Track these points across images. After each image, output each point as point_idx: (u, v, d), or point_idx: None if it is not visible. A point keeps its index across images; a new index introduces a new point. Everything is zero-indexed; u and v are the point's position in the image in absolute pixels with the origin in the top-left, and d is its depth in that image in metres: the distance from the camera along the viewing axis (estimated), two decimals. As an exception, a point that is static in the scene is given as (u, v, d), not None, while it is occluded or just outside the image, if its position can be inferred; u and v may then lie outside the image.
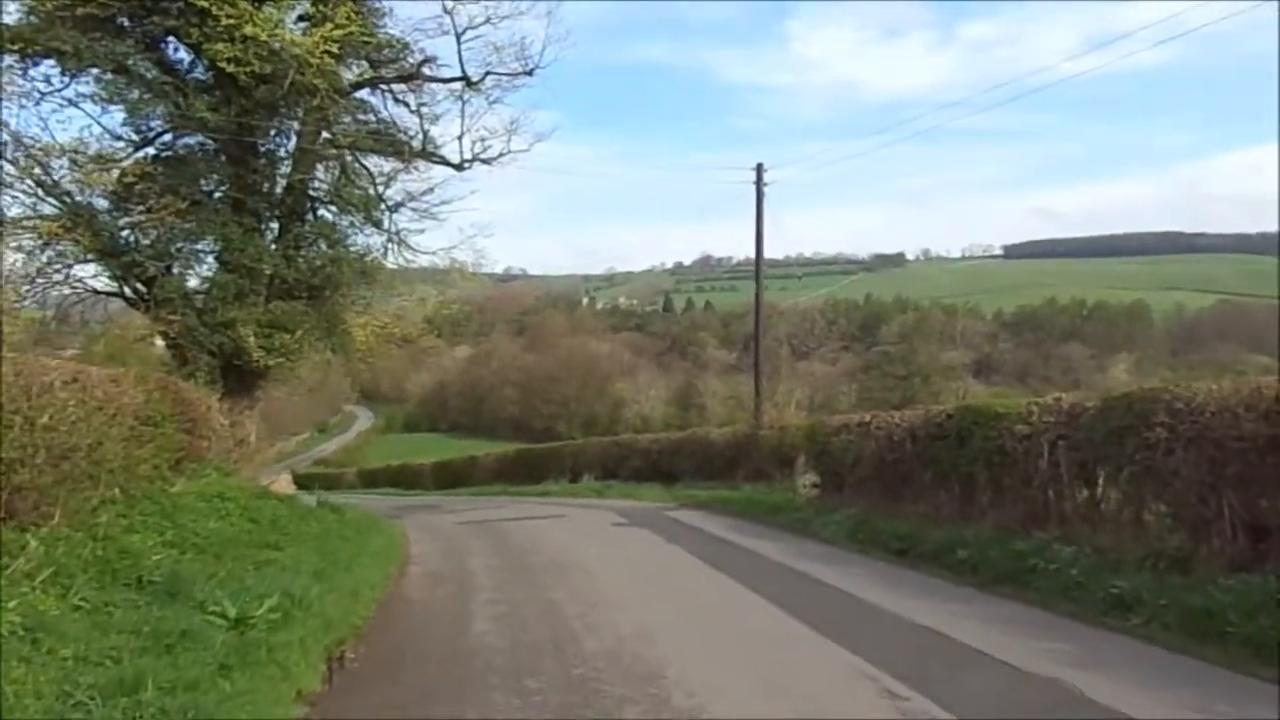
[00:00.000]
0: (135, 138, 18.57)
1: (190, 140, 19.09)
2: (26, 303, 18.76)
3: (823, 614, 7.09)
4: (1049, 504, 8.91)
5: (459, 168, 20.78)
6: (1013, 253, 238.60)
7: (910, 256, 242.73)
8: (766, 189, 21.76)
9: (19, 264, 18.04)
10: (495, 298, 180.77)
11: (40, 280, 18.26)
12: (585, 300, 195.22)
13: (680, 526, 13.63)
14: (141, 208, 17.64)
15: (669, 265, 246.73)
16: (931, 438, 11.16)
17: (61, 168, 17.80)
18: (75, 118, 17.55)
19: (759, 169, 21.75)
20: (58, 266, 18.26)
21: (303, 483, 62.46)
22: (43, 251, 17.72)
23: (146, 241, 17.98)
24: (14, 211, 17.75)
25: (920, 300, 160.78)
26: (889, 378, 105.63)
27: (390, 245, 20.92)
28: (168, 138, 18.92)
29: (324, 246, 19.33)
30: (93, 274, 19.04)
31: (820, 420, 16.64)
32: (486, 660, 6.03)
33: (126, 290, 18.89)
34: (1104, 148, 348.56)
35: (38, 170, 17.34)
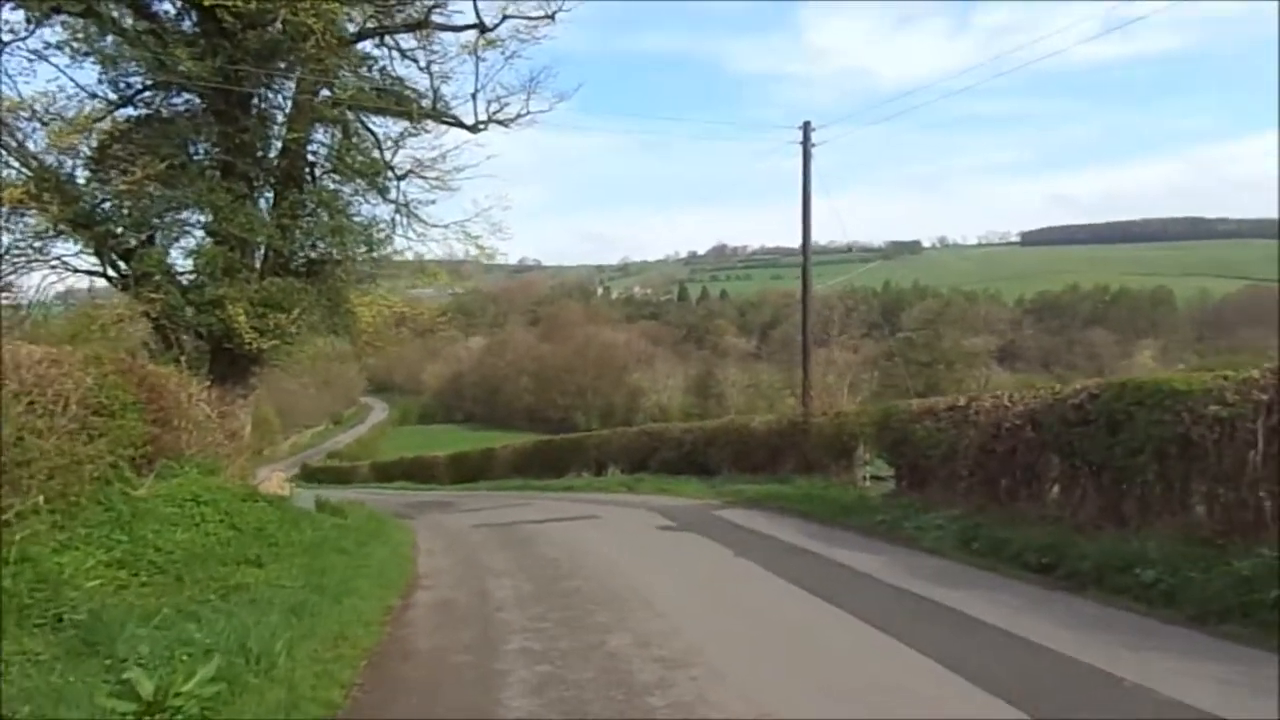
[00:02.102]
0: (113, 96, 16.53)
1: (175, 100, 17.08)
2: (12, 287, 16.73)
3: (1019, 679, 4.88)
4: (1260, 508, 6.72)
5: (473, 129, 18.61)
6: (1030, 239, 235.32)
7: (926, 244, 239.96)
8: (815, 149, 19.53)
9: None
10: (509, 288, 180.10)
11: (11, 256, 16.32)
12: (600, 290, 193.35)
13: (742, 532, 11.45)
14: (118, 173, 15.50)
15: (683, 254, 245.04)
16: (1065, 423, 8.99)
17: (31, 129, 15.74)
18: (44, 73, 15.46)
19: (806, 127, 19.52)
20: (26, 242, 16.31)
21: (315, 476, 61.33)
22: (6, 220, 15.77)
23: (124, 210, 15.96)
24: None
25: (939, 287, 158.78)
26: (912, 364, 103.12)
27: (398, 217, 18.77)
28: (149, 95, 16.91)
29: (324, 216, 17.24)
30: (74, 252, 17.07)
31: (893, 405, 14.47)
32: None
33: (111, 271, 16.84)
34: (1121, 132, 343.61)
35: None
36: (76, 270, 17.21)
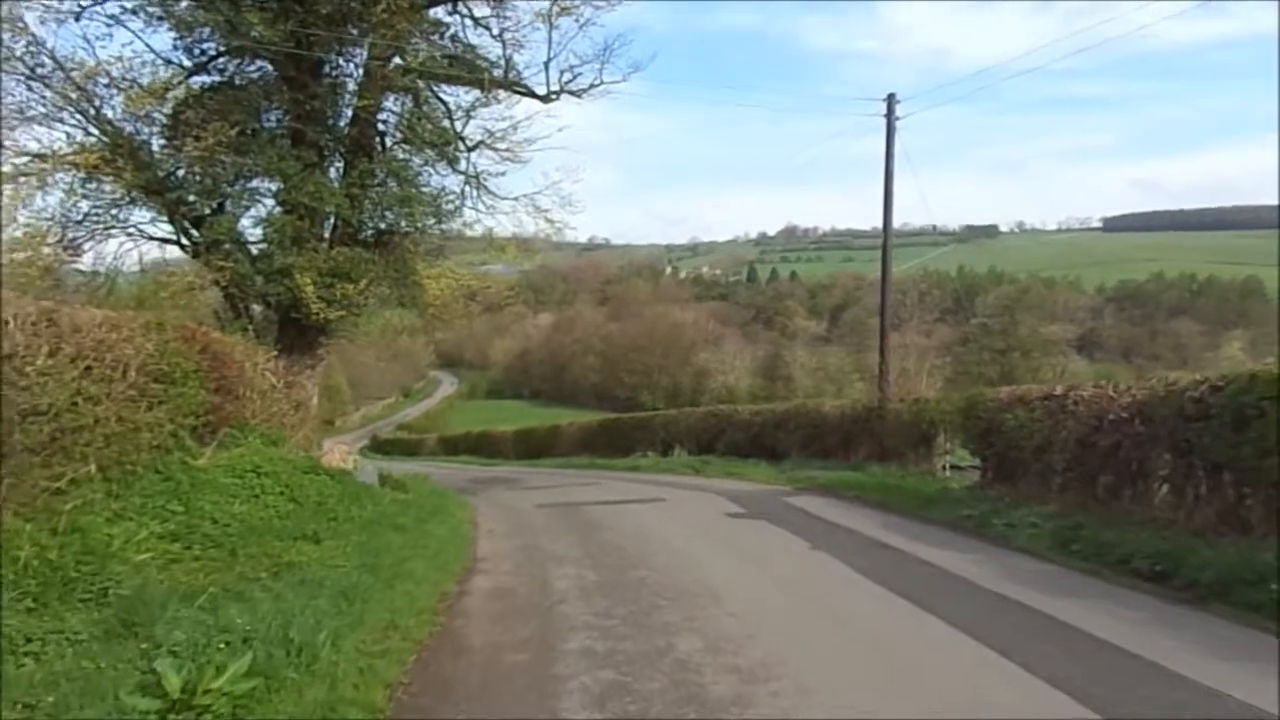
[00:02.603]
0: (187, 63, 16.44)
1: (248, 67, 16.96)
2: (81, 251, 16.79)
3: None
4: None
5: (545, 99, 18.12)
6: (1112, 225, 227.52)
7: (1003, 228, 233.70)
8: (899, 123, 18.58)
9: (60, 206, 16.10)
10: (578, 266, 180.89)
11: (89, 223, 16.41)
12: (668, 269, 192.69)
13: (817, 522, 10.81)
14: (190, 140, 15.39)
15: (753, 235, 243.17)
16: (1181, 418, 8.16)
17: (108, 95, 15.70)
18: (119, 38, 15.32)
19: (890, 100, 18.59)
20: (102, 208, 16.38)
21: (384, 448, 62.18)
22: (83, 186, 15.84)
23: (196, 177, 15.90)
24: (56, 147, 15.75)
25: (1016, 273, 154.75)
26: (986, 351, 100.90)
27: (468, 188, 18.41)
28: (222, 62, 16.81)
29: (393, 186, 16.95)
30: (149, 219, 17.12)
31: (980, 392, 13.64)
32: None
33: (184, 239, 16.83)
34: (1211, 116, 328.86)
35: (77, 95, 15.25)
36: (151, 238, 17.19)
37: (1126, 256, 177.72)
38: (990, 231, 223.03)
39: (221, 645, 4.50)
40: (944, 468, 16.25)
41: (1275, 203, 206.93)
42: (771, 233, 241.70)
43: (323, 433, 18.79)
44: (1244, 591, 6.17)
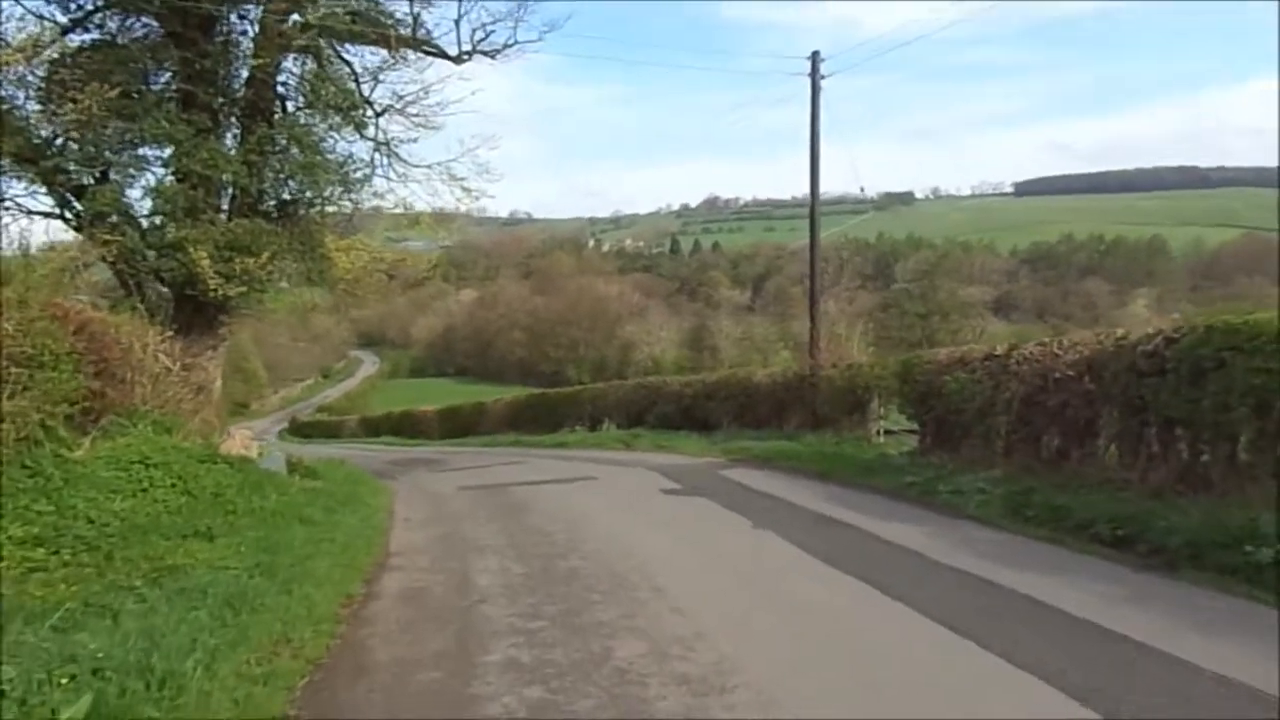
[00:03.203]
0: (62, 18, 15.04)
1: (133, 24, 15.59)
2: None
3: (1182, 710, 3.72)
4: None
5: (457, 60, 17.14)
6: (1024, 190, 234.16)
7: (919, 195, 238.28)
8: (824, 82, 18.08)
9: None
10: (501, 241, 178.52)
11: (-46, 199, 14.94)
12: (591, 243, 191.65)
13: (756, 496, 10.27)
14: (68, 102, 14.01)
15: (675, 207, 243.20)
16: (1134, 373, 7.81)
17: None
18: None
19: (814, 58, 18.06)
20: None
21: (304, 431, 60.24)
22: (-57, 156, 14.37)
23: (74, 143, 14.54)
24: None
25: (933, 239, 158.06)
26: (908, 315, 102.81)
27: (378, 155, 17.34)
28: (101, 19, 15.42)
29: (296, 153, 15.81)
30: (26, 191, 15.67)
31: (916, 355, 13.28)
32: None
33: (67, 213, 15.44)
34: (1119, 80, 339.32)
35: (-67, 54, 13.75)
36: (30, 212, 15.79)
37: (1036, 220, 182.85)
38: (906, 199, 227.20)
39: (64, 680, 3.69)
40: (878, 433, 15.96)
41: (1175, 164, 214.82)
42: (693, 204, 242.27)
43: (229, 418, 17.64)
44: (1217, 554, 5.79)
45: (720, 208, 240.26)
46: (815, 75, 17.96)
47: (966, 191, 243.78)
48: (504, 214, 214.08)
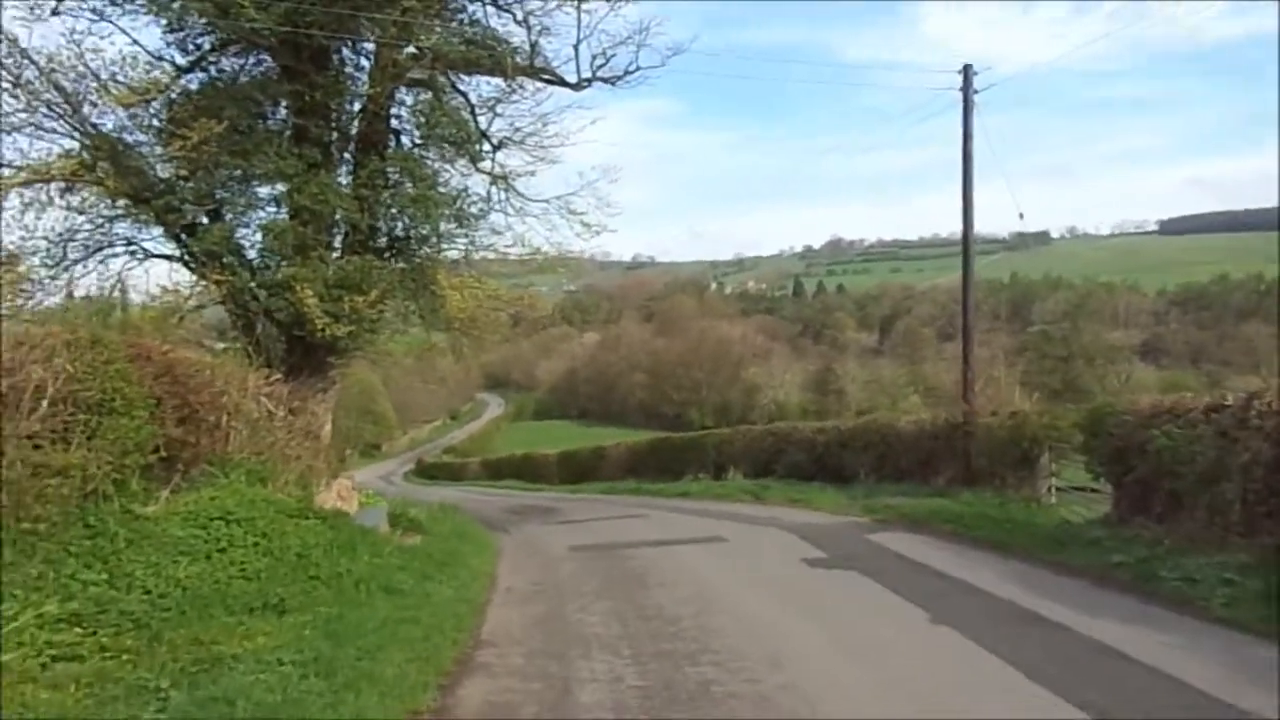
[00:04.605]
0: (180, 60, 14.86)
1: (247, 61, 15.33)
2: (74, 273, 15.14)
3: None
4: None
5: (576, 87, 16.27)
6: (1169, 228, 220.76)
7: (1055, 234, 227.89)
8: (977, 97, 16.30)
9: (42, 222, 14.52)
10: (624, 285, 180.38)
11: (81, 240, 14.84)
12: (713, 285, 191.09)
13: (922, 573, 8.48)
14: (176, 138, 13.68)
15: (798, 249, 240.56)
16: None
17: (98, 99, 14.05)
18: (110, 38, 13.70)
19: (966, 71, 16.31)
20: (89, 222, 14.83)
21: (429, 472, 60.86)
22: (62, 197, 14.25)
23: (186, 181, 14.21)
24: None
25: (1072, 279, 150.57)
26: (1048, 359, 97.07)
27: (494, 188, 16.56)
28: (217, 59, 15.20)
29: (408, 186, 15.12)
30: (150, 235, 15.55)
31: (1107, 403, 11.30)
32: None
33: (188, 255, 15.17)
34: (1263, 113, 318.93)
35: (61, 99, 13.61)
36: (152, 255, 15.62)
37: (1186, 259, 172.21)
38: (1042, 238, 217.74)
39: None
40: (1049, 491, 13.86)
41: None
42: (817, 246, 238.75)
43: (360, 460, 16.91)
44: None
45: (844, 249, 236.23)
46: (968, 90, 16.20)
47: (1106, 230, 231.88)
48: (627, 258, 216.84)
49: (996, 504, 13.20)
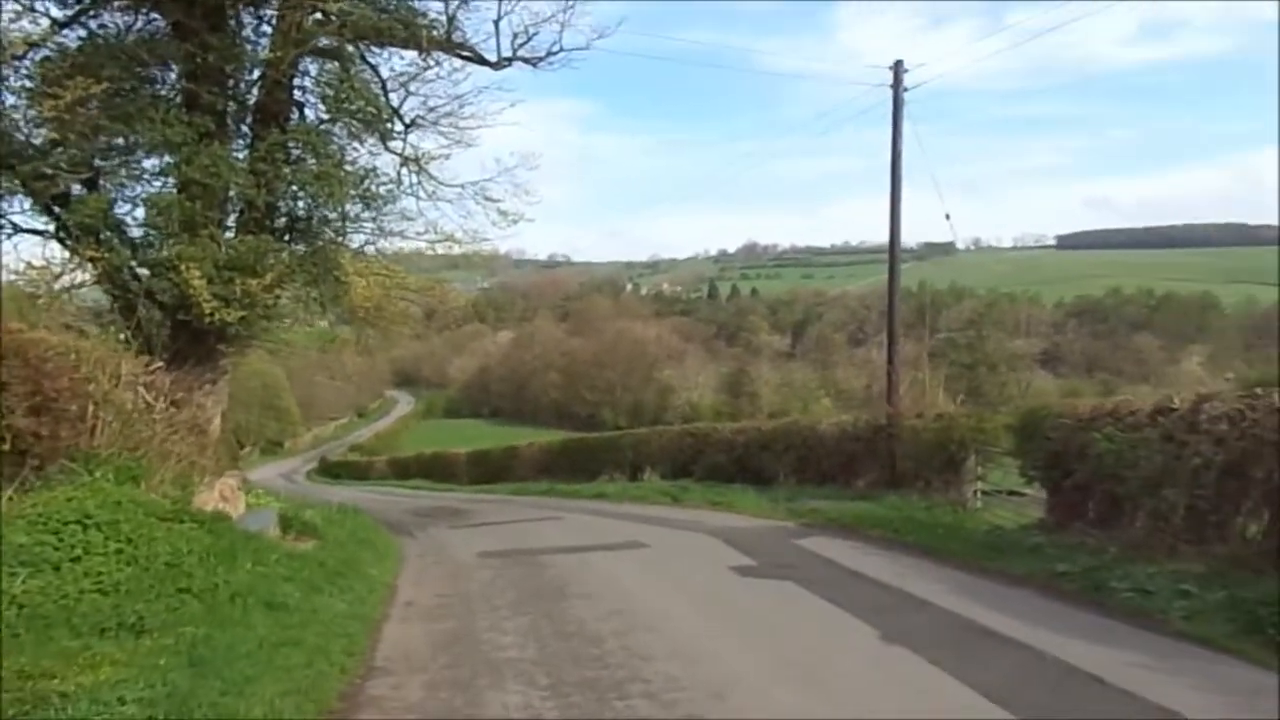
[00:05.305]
0: (58, 14, 13.46)
1: (135, 20, 13.99)
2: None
3: None
4: None
5: (496, 66, 15.39)
6: (1066, 243, 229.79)
7: (960, 246, 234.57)
8: (906, 94, 16.00)
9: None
10: (538, 283, 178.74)
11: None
12: (629, 286, 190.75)
13: (859, 582, 7.90)
14: (47, 98, 12.31)
15: (713, 253, 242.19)
16: None
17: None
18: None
19: (897, 67, 16.00)
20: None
21: (333, 471, 58.75)
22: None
23: (58, 146, 12.84)
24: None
25: (975, 289, 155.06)
26: (954, 366, 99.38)
27: (405, 170, 15.58)
28: (99, 14, 13.84)
29: (311, 162, 14.02)
30: (18, 209, 14.08)
31: (1042, 405, 10.99)
32: None
33: (63, 231, 13.75)
34: (1160, 136, 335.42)
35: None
36: (19, 229, 14.16)
37: (1082, 273, 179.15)
38: (948, 249, 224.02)
39: None
40: (975, 495, 13.59)
41: (1224, 221, 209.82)
42: (731, 250, 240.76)
43: (260, 458, 15.61)
44: None
45: (759, 254, 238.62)
46: (898, 87, 15.88)
47: (1008, 243, 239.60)
48: (543, 256, 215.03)
49: (923, 508, 12.85)
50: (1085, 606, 6.74)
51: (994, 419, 12.92)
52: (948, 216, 17.66)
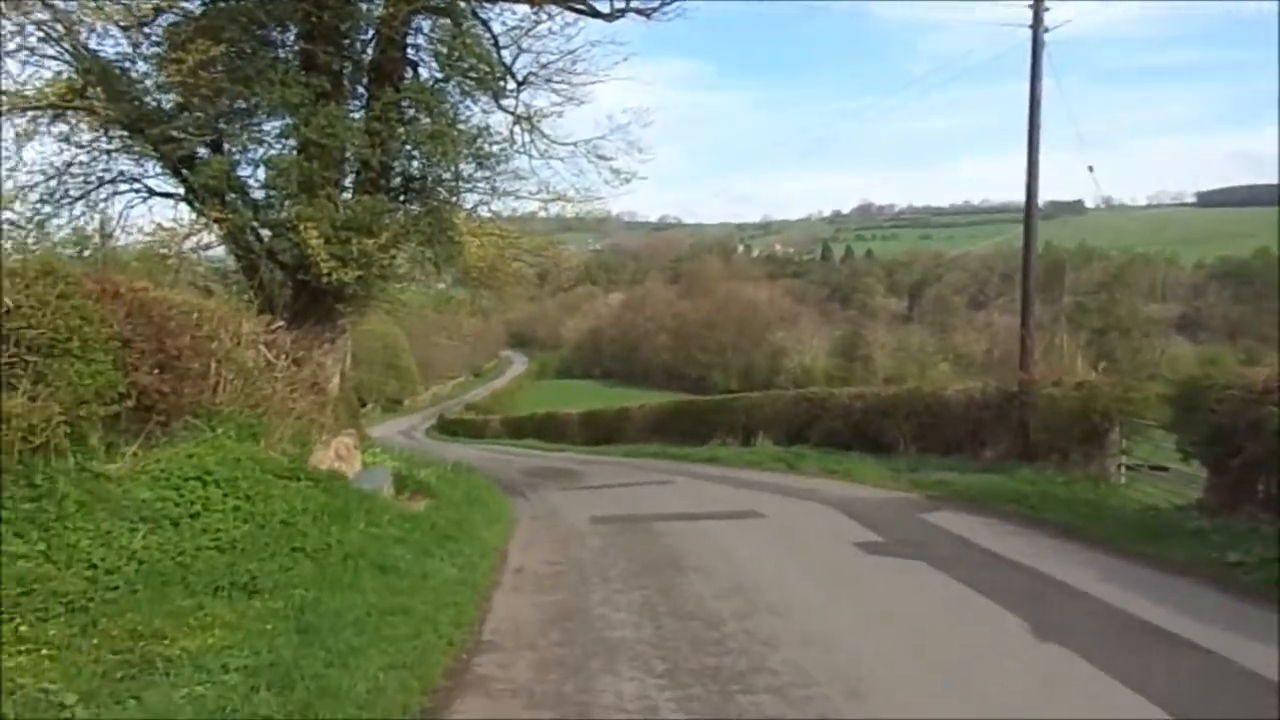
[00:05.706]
0: (178, -21, 13.64)
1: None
2: (75, 211, 14.14)
3: None
4: None
5: (609, 17, 14.96)
6: (1208, 200, 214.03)
7: (1090, 204, 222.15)
8: (1047, 36, 14.78)
9: (37, 154, 13.60)
10: (650, 245, 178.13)
11: (73, 176, 13.83)
12: (740, 248, 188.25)
13: (999, 565, 7.24)
14: (171, 62, 12.53)
15: (826, 213, 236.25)
16: None
17: (87, 13, 12.91)
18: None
19: (1037, 5, 14.78)
20: (86, 154, 13.87)
21: (450, 429, 60.22)
22: (52, 124, 13.21)
23: (184, 109, 13.11)
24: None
25: (1107, 250, 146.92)
26: (1084, 331, 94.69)
27: (518, 129, 15.37)
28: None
29: (425, 121, 13.91)
30: (152, 173, 14.57)
31: (1206, 375, 10.00)
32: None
33: (192, 194, 14.13)
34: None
35: (42, 14, 12.49)
36: (154, 193, 14.64)
37: (1225, 231, 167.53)
38: (1076, 207, 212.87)
39: None
40: (1118, 469, 12.61)
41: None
42: (846, 210, 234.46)
43: (348, 421, 15.92)
44: None
45: (874, 214, 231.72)
46: (1038, 27, 14.68)
47: (1142, 201, 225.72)
48: (653, 218, 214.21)
49: (1060, 482, 11.99)
50: (1266, 604, 5.97)
51: (1144, 388, 11.89)
52: (1091, 169, 16.58)
